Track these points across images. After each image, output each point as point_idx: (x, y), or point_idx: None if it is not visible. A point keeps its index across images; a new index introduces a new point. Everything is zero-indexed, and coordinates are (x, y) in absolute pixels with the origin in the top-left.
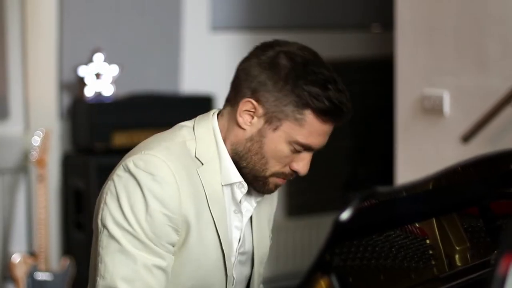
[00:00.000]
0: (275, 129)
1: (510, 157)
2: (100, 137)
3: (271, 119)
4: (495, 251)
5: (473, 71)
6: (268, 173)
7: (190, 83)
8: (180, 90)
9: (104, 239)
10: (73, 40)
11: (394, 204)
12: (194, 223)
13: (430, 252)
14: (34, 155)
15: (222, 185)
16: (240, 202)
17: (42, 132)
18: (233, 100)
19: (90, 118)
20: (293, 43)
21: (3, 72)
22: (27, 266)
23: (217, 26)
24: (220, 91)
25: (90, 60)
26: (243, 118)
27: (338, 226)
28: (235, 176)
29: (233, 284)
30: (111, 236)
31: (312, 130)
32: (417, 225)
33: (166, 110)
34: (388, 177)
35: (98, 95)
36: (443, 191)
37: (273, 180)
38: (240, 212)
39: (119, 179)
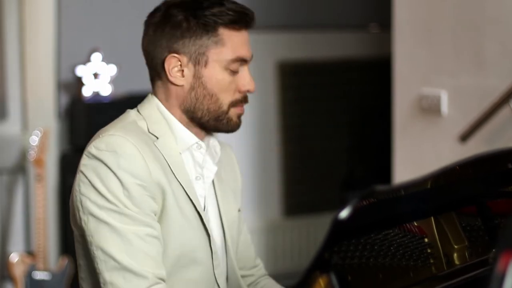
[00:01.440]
0: (206, 64)
1: (507, 155)
2: None
3: (197, 59)
4: (493, 250)
5: (471, 71)
6: (224, 107)
7: None
8: None
9: (91, 227)
10: (71, 39)
11: (393, 203)
12: (168, 188)
13: (429, 250)
14: (32, 154)
15: (180, 153)
16: (202, 166)
17: (40, 131)
18: (156, 73)
19: (88, 118)
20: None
21: (1, 72)
22: (25, 265)
23: None
24: None
25: (88, 60)
26: (175, 76)
27: (337, 224)
28: (190, 138)
29: (215, 245)
30: (98, 219)
31: (233, 43)
32: (415, 223)
33: None
34: (386, 177)
35: (96, 94)
36: (441, 189)
37: (233, 112)
38: (202, 177)
39: (86, 167)
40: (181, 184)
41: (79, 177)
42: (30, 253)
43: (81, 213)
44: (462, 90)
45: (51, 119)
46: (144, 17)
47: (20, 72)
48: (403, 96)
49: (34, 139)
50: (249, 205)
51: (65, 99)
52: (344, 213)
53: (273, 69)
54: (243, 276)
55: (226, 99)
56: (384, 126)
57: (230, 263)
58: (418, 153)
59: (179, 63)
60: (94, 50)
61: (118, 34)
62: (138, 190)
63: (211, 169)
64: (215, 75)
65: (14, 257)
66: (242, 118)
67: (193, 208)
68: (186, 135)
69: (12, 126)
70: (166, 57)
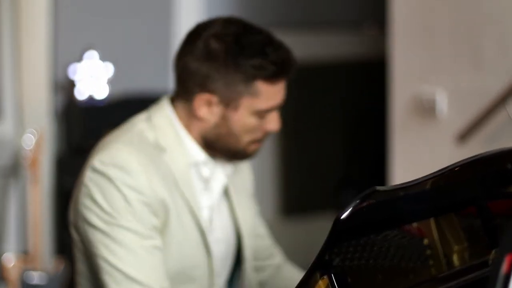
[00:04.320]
0: (235, 109)
1: (507, 155)
2: (94, 137)
3: (228, 102)
4: (494, 251)
5: (468, 71)
6: (243, 145)
7: None
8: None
9: (96, 239)
10: (66, 39)
11: (392, 204)
12: (171, 205)
13: (428, 252)
14: (27, 155)
15: (187, 167)
16: (209, 181)
17: (35, 132)
18: (183, 96)
19: (83, 118)
20: (215, 21)
21: None
22: (20, 267)
23: None
24: None
25: (83, 60)
26: (202, 112)
27: (338, 225)
28: (199, 155)
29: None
30: (103, 232)
31: (269, 95)
32: (415, 224)
33: None
34: (382, 177)
35: (92, 95)
36: (441, 190)
37: (251, 148)
38: (209, 189)
39: (90, 180)
40: (186, 199)
41: (83, 189)
42: (25, 254)
43: (85, 225)
44: (460, 90)
45: (46, 119)
46: (138, 16)
47: (14, 72)
48: (400, 96)
49: (29, 140)
50: None
51: (60, 100)
52: (345, 214)
53: None
54: (260, 268)
55: (247, 139)
56: (381, 126)
57: (246, 271)
58: (415, 153)
59: (209, 101)
60: (90, 49)
61: (114, 34)
62: (141, 206)
63: (220, 181)
64: (244, 119)
65: (9, 259)
66: None
67: (196, 226)
68: (195, 150)
69: (7, 126)
70: (198, 93)
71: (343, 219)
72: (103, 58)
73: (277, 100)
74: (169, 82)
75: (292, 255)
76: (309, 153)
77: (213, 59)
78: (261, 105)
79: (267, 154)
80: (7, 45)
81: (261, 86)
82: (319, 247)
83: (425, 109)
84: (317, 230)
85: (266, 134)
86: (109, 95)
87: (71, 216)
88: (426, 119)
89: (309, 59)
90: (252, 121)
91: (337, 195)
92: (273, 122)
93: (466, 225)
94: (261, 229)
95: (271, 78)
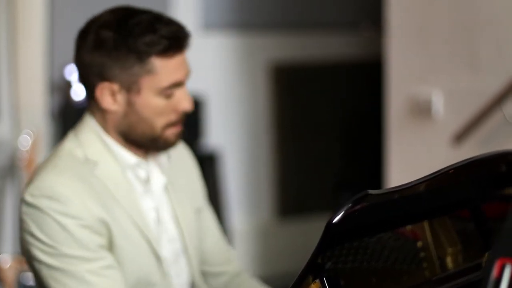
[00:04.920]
0: (138, 92)
1: (501, 158)
2: None
3: (129, 87)
4: (487, 253)
5: (465, 72)
6: (159, 130)
7: None
8: None
9: (44, 275)
10: (62, 40)
11: (386, 207)
12: (111, 221)
13: (422, 254)
14: (23, 156)
15: (123, 173)
16: (148, 181)
17: (31, 133)
18: (88, 93)
19: (79, 120)
20: (103, 13)
21: None
22: (16, 268)
23: (209, 25)
24: (212, 91)
25: None
26: (107, 102)
27: (330, 229)
28: (130, 157)
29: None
30: (49, 266)
31: (167, 70)
32: (408, 227)
33: None
34: (379, 177)
35: None
36: (435, 193)
37: (169, 132)
38: (150, 191)
39: (26, 215)
40: (125, 210)
41: (21, 225)
42: (21, 256)
43: (32, 261)
44: (456, 91)
45: (43, 120)
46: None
47: (11, 73)
48: (396, 98)
49: (25, 141)
50: (241, 207)
51: (57, 101)
52: (337, 217)
53: (264, 70)
54: (215, 274)
55: (160, 122)
56: (378, 127)
57: (191, 270)
58: (411, 154)
59: (111, 89)
60: None
61: None
62: (79, 230)
63: (159, 180)
64: (149, 101)
65: (5, 260)
66: (238, 119)
67: (141, 234)
68: (125, 155)
69: (3, 127)
70: (98, 84)
71: (335, 222)
72: None
73: (178, 76)
74: None
75: (289, 256)
76: (306, 154)
77: (104, 46)
78: (162, 83)
79: (264, 155)
80: (3, 46)
81: (157, 62)
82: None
83: (422, 110)
84: (314, 232)
85: (180, 115)
86: None
87: (20, 244)
88: (423, 120)
89: (306, 60)
90: (158, 101)
91: (334, 197)
92: (183, 100)
93: (459, 228)
94: (214, 232)
95: (165, 52)
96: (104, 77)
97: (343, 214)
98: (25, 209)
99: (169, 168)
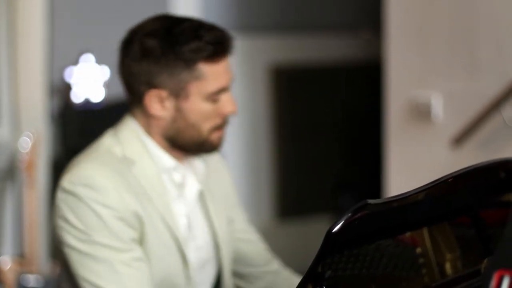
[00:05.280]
0: (186, 98)
1: (501, 166)
2: (90, 140)
3: (177, 93)
4: (486, 260)
5: (464, 75)
6: (205, 134)
7: None
8: None
9: (75, 260)
10: (63, 42)
11: (385, 216)
12: (145, 216)
13: (421, 261)
14: (23, 159)
15: (158, 175)
16: (183, 186)
17: (31, 135)
18: (135, 101)
19: (80, 122)
20: (144, 22)
21: None
22: (16, 270)
23: None
24: None
25: (79, 63)
26: (155, 109)
27: (330, 238)
28: (168, 161)
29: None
30: (81, 252)
31: (214, 75)
32: (408, 233)
33: None
34: (378, 179)
35: (88, 98)
36: (434, 201)
37: (215, 136)
38: (183, 197)
39: (62, 201)
40: (158, 210)
41: (57, 210)
42: (21, 257)
43: (63, 247)
44: (456, 94)
45: (43, 123)
46: (134, 19)
47: (11, 76)
48: (395, 100)
49: (25, 143)
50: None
51: (56, 103)
52: (337, 227)
53: (264, 72)
54: (260, 275)
55: (207, 126)
56: (377, 129)
57: (222, 280)
58: (410, 157)
59: (159, 96)
60: (86, 53)
61: (110, 37)
62: (114, 221)
63: (194, 187)
64: (197, 106)
65: (5, 262)
66: (238, 120)
67: (171, 235)
68: (164, 158)
69: (3, 130)
70: (146, 91)
71: (335, 232)
72: (99, 61)
73: (225, 80)
74: None
75: (288, 258)
76: (306, 155)
77: (151, 54)
78: (210, 88)
79: (264, 157)
80: (3, 49)
81: (204, 68)
82: (316, 250)
83: (421, 113)
84: (313, 233)
85: (225, 119)
86: (105, 98)
87: (54, 239)
88: (422, 122)
89: (306, 62)
90: (206, 106)
91: (333, 198)
92: (228, 104)
93: (459, 234)
94: (252, 235)
95: (211, 57)
96: (153, 85)
97: (343, 224)
98: (62, 195)
99: (206, 177)
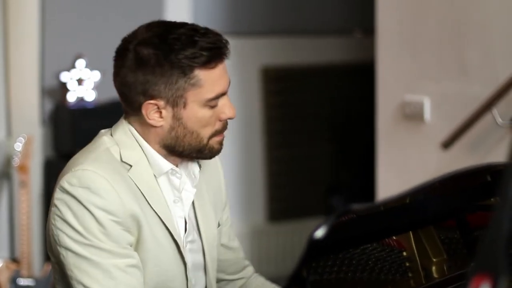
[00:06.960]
0: (184, 106)
1: (485, 171)
2: (82, 143)
3: (175, 102)
4: (471, 264)
5: (454, 78)
6: (205, 140)
7: None
8: None
9: (70, 261)
10: (55, 46)
11: (371, 219)
12: (142, 219)
13: (407, 264)
14: (16, 160)
15: (156, 178)
16: (180, 189)
17: (24, 138)
18: (132, 111)
19: (72, 124)
20: (138, 30)
21: None
22: (9, 272)
23: None
24: None
25: (72, 66)
26: (154, 119)
27: (313, 243)
28: (166, 165)
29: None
30: (77, 254)
31: (212, 81)
32: (394, 237)
33: None
34: (370, 181)
35: (80, 100)
36: (420, 205)
37: (214, 141)
38: (181, 200)
39: (60, 202)
40: (156, 213)
41: (54, 210)
42: (14, 259)
43: (58, 247)
44: (446, 96)
45: (35, 125)
46: (127, 22)
47: (4, 78)
48: (386, 102)
49: (18, 145)
50: (233, 210)
51: (49, 105)
52: (319, 232)
53: (257, 74)
54: (233, 281)
55: (206, 132)
56: (369, 131)
57: (209, 283)
58: (402, 159)
59: (156, 106)
60: (78, 56)
61: (102, 40)
62: (113, 226)
63: (190, 192)
64: (196, 114)
65: None
66: (230, 122)
67: (170, 237)
68: (161, 162)
69: None
70: (143, 102)
71: (317, 236)
72: (92, 64)
73: (222, 85)
74: None
75: (280, 260)
76: (298, 158)
77: (147, 64)
78: (208, 94)
79: (256, 159)
80: None
81: (201, 75)
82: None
83: (412, 116)
84: (305, 236)
85: (225, 123)
86: (97, 101)
87: (47, 236)
88: (413, 125)
89: (298, 65)
90: (205, 113)
91: (326, 201)
92: (227, 109)
93: (445, 238)
94: (235, 243)
95: (207, 63)
96: (149, 95)
97: (325, 228)
98: (60, 195)
99: (199, 180)
